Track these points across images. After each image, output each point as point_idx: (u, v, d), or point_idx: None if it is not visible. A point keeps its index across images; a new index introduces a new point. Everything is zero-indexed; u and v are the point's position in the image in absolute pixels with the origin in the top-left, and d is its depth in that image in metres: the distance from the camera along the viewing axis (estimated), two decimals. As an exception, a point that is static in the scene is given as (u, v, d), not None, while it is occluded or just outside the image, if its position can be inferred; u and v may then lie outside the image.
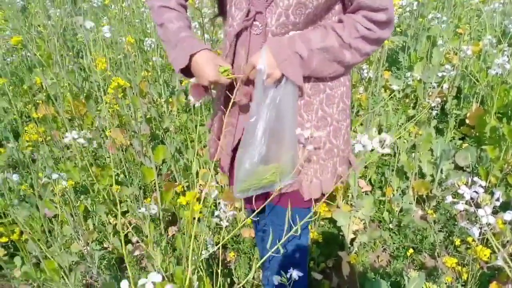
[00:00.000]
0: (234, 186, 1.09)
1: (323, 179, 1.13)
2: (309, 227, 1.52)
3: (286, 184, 1.09)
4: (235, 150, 1.18)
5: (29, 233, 1.54)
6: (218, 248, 1.21)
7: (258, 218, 1.36)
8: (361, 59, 1.04)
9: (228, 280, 1.83)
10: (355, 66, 1.13)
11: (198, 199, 1.12)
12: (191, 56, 1.03)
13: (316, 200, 1.15)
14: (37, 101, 3.15)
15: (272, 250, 1.13)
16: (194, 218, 1.07)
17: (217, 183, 2.20)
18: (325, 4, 0.98)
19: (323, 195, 1.15)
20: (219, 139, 1.24)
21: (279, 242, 1.11)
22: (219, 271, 1.25)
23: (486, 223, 0.75)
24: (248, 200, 1.21)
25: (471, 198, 0.79)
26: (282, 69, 0.97)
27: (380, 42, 1.03)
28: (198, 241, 1.80)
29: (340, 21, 1.02)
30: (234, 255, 1.91)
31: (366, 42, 1.00)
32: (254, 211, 1.22)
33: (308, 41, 0.98)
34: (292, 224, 1.09)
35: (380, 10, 0.97)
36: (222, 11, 1.16)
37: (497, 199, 0.78)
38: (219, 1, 1.14)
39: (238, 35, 1.05)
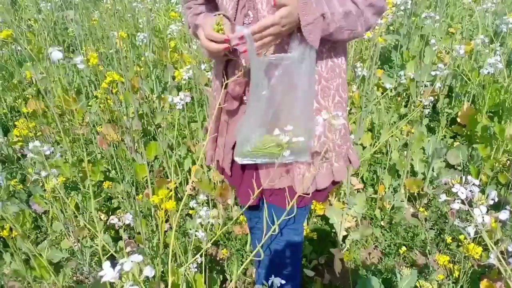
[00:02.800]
0: (235, 150, 1.06)
1: (316, 173, 1.10)
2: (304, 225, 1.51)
3: (297, 160, 1.06)
4: (233, 148, 1.16)
5: (19, 229, 1.52)
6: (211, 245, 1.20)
7: (252, 215, 1.35)
8: (363, 33, 1.03)
9: (221, 277, 1.82)
10: (354, 39, 1.11)
11: (171, 197, 1.10)
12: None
13: (309, 196, 1.12)
14: (27, 96, 3.11)
15: (260, 245, 1.12)
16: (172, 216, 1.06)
17: (210, 180, 2.19)
18: None
19: (317, 191, 1.13)
20: (216, 141, 1.21)
21: (272, 240, 1.10)
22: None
23: (481, 223, 0.75)
24: (242, 197, 1.19)
25: (466, 197, 0.79)
26: (305, 32, 0.92)
27: (380, 14, 1.03)
28: (189, 238, 1.80)
29: None
30: (226, 252, 1.91)
31: (372, 11, 1.00)
32: (248, 207, 1.21)
33: (330, 3, 0.94)
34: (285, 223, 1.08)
35: None
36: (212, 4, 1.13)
37: (492, 199, 0.78)
38: None
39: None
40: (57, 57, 1.03)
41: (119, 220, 1.15)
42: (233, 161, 1.18)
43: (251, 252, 1.98)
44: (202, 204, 1.33)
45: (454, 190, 0.82)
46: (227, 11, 1.02)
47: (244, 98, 1.09)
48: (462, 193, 0.77)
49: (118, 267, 0.57)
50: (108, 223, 2.16)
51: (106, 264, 0.57)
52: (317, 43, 0.94)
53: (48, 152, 1.33)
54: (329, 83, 1.06)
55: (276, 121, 0.98)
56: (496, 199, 0.77)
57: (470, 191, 0.77)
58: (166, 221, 2.21)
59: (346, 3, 0.96)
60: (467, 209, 0.78)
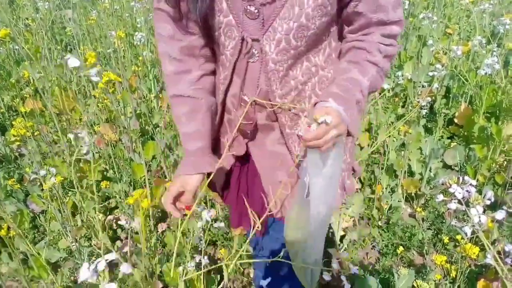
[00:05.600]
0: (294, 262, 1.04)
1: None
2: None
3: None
4: (227, 174, 1.13)
5: (16, 229, 1.52)
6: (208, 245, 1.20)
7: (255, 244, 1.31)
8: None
9: (218, 277, 1.82)
10: None
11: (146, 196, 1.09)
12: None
13: None
14: (25, 95, 3.10)
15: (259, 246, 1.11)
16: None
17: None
18: (326, 23, 0.90)
19: None
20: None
21: (281, 254, 1.09)
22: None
23: (478, 222, 0.75)
24: (246, 223, 1.16)
25: (462, 197, 0.80)
26: (351, 128, 0.88)
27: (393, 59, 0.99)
28: (187, 238, 1.80)
29: (355, 49, 0.93)
30: (224, 252, 1.91)
31: (387, 60, 0.95)
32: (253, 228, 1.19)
33: (357, 84, 0.90)
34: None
35: (394, 23, 0.90)
36: (208, 36, 0.96)
37: (489, 199, 0.79)
38: (204, 26, 0.92)
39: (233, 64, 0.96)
40: (73, 65, 1.03)
41: (126, 223, 1.15)
42: (223, 187, 1.16)
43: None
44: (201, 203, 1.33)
45: (451, 190, 0.82)
46: (226, 47, 0.93)
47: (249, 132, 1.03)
48: (459, 193, 0.78)
49: (92, 266, 0.58)
50: (105, 223, 2.16)
51: (84, 266, 0.58)
52: (357, 132, 0.92)
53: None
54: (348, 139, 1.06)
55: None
56: (493, 199, 0.78)
57: (467, 191, 0.78)
58: (164, 220, 2.21)
59: (367, 70, 0.91)
60: (464, 209, 0.79)
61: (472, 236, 0.76)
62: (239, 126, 1.00)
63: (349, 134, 0.89)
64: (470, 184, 0.82)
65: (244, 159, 1.10)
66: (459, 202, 0.79)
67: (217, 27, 0.90)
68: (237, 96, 0.99)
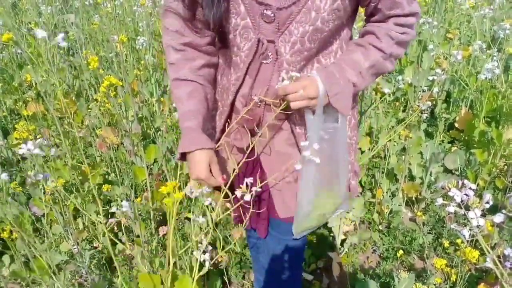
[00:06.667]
0: (294, 227, 1.05)
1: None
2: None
3: (340, 212, 1.10)
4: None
5: (18, 231, 1.53)
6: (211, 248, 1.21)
7: (252, 234, 1.31)
8: (394, 65, 1.02)
9: (219, 280, 1.82)
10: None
11: (180, 188, 1.09)
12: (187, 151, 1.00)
13: None
14: (27, 99, 3.12)
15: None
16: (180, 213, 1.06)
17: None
18: (337, 26, 0.94)
19: None
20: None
21: (282, 253, 1.10)
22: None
23: (476, 225, 0.76)
24: (252, 221, 1.17)
25: (461, 201, 0.80)
26: (334, 103, 0.91)
27: (409, 43, 1.02)
28: (189, 241, 1.80)
29: (367, 32, 0.98)
30: (225, 255, 1.91)
31: (400, 46, 0.97)
32: (254, 230, 1.19)
33: (355, 64, 0.94)
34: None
35: (410, 15, 0.94)
36: (221, 37, 0.99)
37: (487, 202, 0.80)
38: (218, 28, 0.95)
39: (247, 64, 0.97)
40: (41, 35, 1.04)
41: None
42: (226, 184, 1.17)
43: (249, 255, 1.99)
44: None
45: (450, 194, 0.83)
46: (241, 49, 0.96)
47: (256, 130, 1.03)
48: (457, 196, 0.78)
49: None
50: (106, 226, 2.17)
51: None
52: (347, 111, 0.94)
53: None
54: (352, 140, 1.10)
55: (323, 188, 1.00)
56: (491, 202, 0.79)
57: (466, 194, 0.78)
58: (165, 223, 2.22)
59: (369, 54, 0.95)
60: (463, 213, 0.79)
61: (473, 240, 0.76)
62: (241, 120, 1.01)
63: (343, 112, 0.94)
64: (469, 188, 0.82)
65: (249, 156, 1.11)
66: (458, 205, 0.79)
67: (233, 29, 0.93)
68: (246, 96, 1.01)
